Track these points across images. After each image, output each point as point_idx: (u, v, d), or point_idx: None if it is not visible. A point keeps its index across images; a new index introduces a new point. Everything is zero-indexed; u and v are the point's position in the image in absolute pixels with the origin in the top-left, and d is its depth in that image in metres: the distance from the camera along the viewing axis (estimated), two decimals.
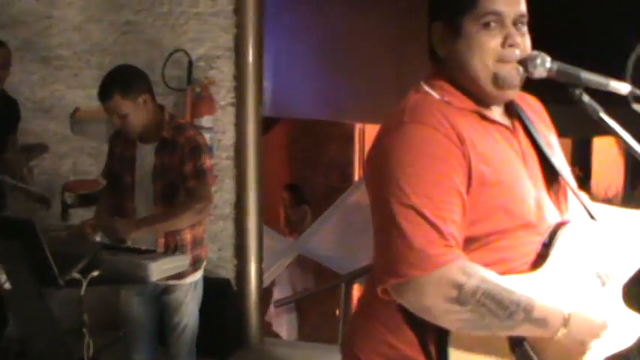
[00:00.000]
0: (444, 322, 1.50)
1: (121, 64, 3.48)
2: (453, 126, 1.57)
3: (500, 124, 1.67)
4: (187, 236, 3.22)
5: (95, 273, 2.69)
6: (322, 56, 7.24)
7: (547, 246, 1.62)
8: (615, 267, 1.68)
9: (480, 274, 1.48)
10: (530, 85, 1.71)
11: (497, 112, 1.69)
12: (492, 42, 1.61)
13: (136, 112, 3.12)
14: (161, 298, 3.31)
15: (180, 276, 3.17)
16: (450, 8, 1.65)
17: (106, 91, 3.12)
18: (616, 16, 3.63)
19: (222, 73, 4.46)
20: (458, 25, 1.63)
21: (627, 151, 1.87)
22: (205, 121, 4.34)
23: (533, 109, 1.80)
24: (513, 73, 1.61)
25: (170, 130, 3.20)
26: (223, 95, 4.46)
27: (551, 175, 1.72)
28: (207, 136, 4.25)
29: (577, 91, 1.61)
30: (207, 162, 3.22)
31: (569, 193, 1.76)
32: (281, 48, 7.61)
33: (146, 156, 3.21)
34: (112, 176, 3.34)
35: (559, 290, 1.56)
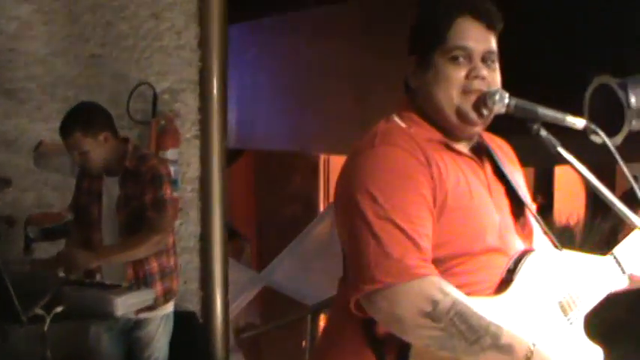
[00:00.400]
0: (413, 337, 1.53)
1: (83, 101, 3.51)
2: (421, 149, 1.64)
3: (467, 156, 1.73)
4: (154, 266, 3.21)
5: (59, 309, 2.67)
6: (286, 88, 7.31)
7: (511, 272, 1.66)
8: (577, 297, 1.72)
9: (455, 294, 1.51)
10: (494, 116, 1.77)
11: (465, 146, 1.75)
12: (458, 74, 1.67)
13: (96, 149, 3.15)
14: (132, 334, 3.30)
15: (151, 308, 3.17)
16: (422, 43, 1.73)
17: (67, 128, 3.14)
18: (577, 52, 3.75)
19: (187, 106, 4.48)
20: (428, 59, 1.71)
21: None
22: (170, 153, 4.33)
23: (502, 149, 1.87)
24: (475, 111, 1.67)
25: (133, 160, 3.22)
26: (188, 128, 4.47)
27: (517, 207, 1.77)
28: (172, 168, 4.24)
29: (535, 126, 1.67)
30: (168, 192, 3.22)
31: (535, 227, 1.81)
32: (245, 80, 7.67)
33: (112, 189, 3.23)
34: (79, 209, 3.34)
35: (522, 317, 1.60)
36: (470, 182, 1.68)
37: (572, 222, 6.83)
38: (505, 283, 1.65)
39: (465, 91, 1.67)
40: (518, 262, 1.67)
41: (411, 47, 1.77)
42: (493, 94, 1.66)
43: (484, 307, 1.54)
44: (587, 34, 3.75)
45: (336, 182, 1.71)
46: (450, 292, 1.51)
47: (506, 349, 1.51)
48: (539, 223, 1.82)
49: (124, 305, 2.76)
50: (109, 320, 3.15)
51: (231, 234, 7.34)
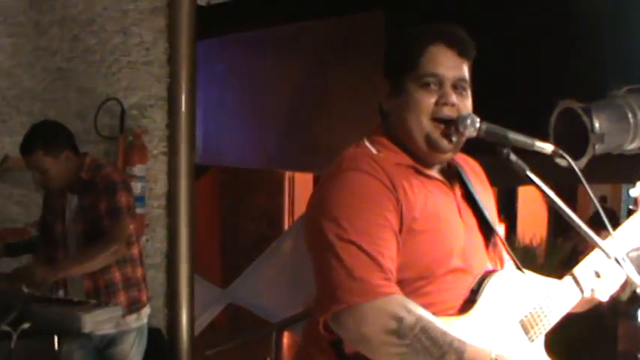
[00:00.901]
0: (380, 354, 1.56)
1: (45, 120, 3.50)
2: (387, 174, 1.67)
3: (437, 179, 1.76)
4: (116, 275, 3.19)
5: (26, 325, 2.64)
6: (252, 105, 7.31)
7: (475, 292, 1.70)
8: (538, 316, 1.76)
9: (419, 311, 1.55)
10: None
11: (435, 170, 1.78)
12: (428, 100, 1.71)
13: (57, 168, 3.14)
14: (106, 351, 3.26)
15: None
16: (395, 67, 1.78)
17: (28, 146, 3.14)
18: (544, 76, 3.83)
19: (155, 122, 4.47)
20: (401, 84, 1.74)
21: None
22: (138, 169, 4.31)
23: (473, 170, 1.91)
24: (444, 139, 1.71)
25: (89, 172, 3.21)
26: (156, 144, 4.45)
27: (487, 230, 1.81)
28: (139, 184, 4.25)
29: (505, 150, 1.71)
30: (123, 199, 3.18)
31: (502, 248, 1.86)
32: (212, 96, 7.65)
33: (73, 204, 3.21)
34: (45, 226, 3.32)
35: (484, 335, 1.64)
36: (438, 205, 1.72)
37: (534, 242, 6.95)
38: (469, 303, 1.69)
39: (435, 119, 1.71)
40: (481, 282, 1.72)
41: (385, 71, 1.81)
42: (464, 118, 1.70)
43: (447, 325, 1.58)
44: (551, 59, 3.83)
45: (307, 205, 1.75)
46: (414, 309, 1.55)
47: None
48: (503, 244, 1.86)
49: (92, 322, 2.74)
50: (81, 338, 3.11)
51: None
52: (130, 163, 4.28)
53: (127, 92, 4.48)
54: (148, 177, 4.41)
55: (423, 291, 1.65)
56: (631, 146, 3.06)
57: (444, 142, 1.72)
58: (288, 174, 9.26)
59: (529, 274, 1.86)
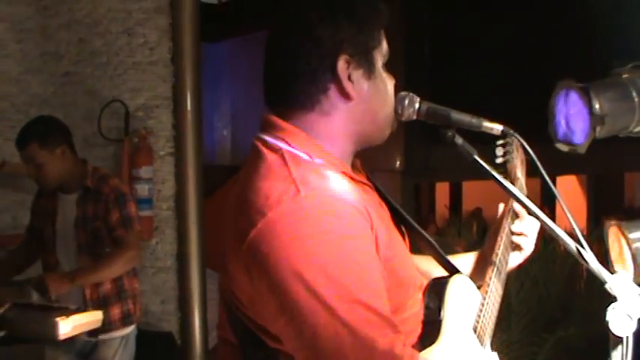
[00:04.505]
0: None
1: (42, 115, 3.45)
2: (352, 192, 1.31)
3: (367, 184, 1.48)
4: (110, 287, 3.14)
5: (1, 333, 2.59)
6: None
7: (432, 310, 1.44)
8: (484, 320, 1.58)
9: None
10: None
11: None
12: (392, 85, 1.49)
13: (52, 163, 3.08)
14: (89, 357, 3.21)
15: (108, 330, 3.10)
16: (366, 39, 1.40)
17: (23, 139, 3.10)
18: (546, 59, 3.67)
19: (161, 123, 4.40)
20: (373, 59, 1.42)
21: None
22: (144, 171, 4.26)
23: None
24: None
25: (94, 180, 3.17)
26: (162, 145, 4.39)
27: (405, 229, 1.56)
28: (146, 187, 4.19)
29: (449, 133, 1.53)
30: (133, 210, 3.19)
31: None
32: (239, 96, 7.60)
33: (68, 207, 3.16)
34: (34, 230, 3.28)
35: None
36: (387, 220, 1.43)
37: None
38: (433, 324, 1.42)
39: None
40: (436, 297, 1.45)
41: (338, 44, 1.36)
42: (402, 98, 1.50)
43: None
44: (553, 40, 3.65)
45: (251, 242, 1.25)
46: None
47: None
48: (431, 243, 1.59)
49: (68, 328, 2.67)
50: (65, 343, 3.06)
51: None
52: (135, 166, 4.23)
53: (132, 93, 4.43)
54: (155, 179, 4.35)
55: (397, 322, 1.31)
56: (638, 128, 2.85)
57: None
58: None
59: (463, 276, 1.57)
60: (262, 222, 1.24)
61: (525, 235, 1.82)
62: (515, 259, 1.83)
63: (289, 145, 1.35)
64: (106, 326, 3.05)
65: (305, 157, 1.34)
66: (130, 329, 3.25)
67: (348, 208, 1.26)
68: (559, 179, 8.07)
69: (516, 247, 1.82)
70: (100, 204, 3.15)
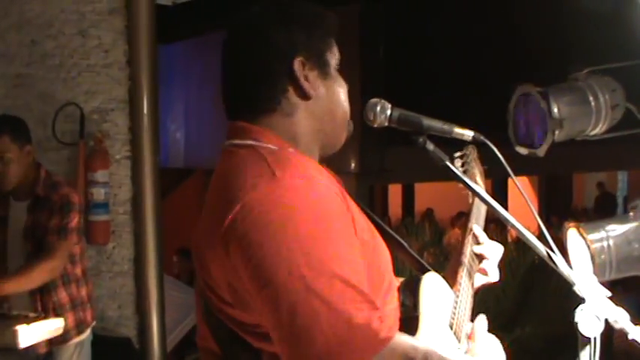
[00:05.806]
0: None
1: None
2: (327, 177, 1.39)
3: (338, 181, 1.50)
4: (64, 296, 3.09)
5: None
6: None
7: (409, 307, 1.48)
8: (460, 317, 1.61)
9: (419, 344, 1.33)
10: None
11: None
12: (345, 87, 1.54)
13: (19, 160, 3.07)
14: None
15: (63, 340, 3.04)
16: (318, 43, 1.48)
17: None
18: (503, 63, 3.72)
19: (117, 126, 4.35)
20: (327, 62, 1.49)
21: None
22: (100, 175, 4.20)
23: None
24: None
25: (45, 188, 3.13)
26: (118, 148, 4.33)
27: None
28: (102, 191, 4.14)
29: (421, 139, 1.56)
30: (75, 222, 3.12)
31: None
32: (193, 99, 7.55)
33: (19, 214, 3.12)
34: None
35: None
36: (357, 209, 1.45)
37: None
38: (410, 320, 1.44)
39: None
40: (412, 294, 1.49)
41: (291, 46, 1.44)
42: (374, 104, 1.54)
43: (449, 353, 1.38)
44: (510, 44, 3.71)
45: (229, 238, 1.29)
46: (417, 344, 1.33)
47: None
48: (400, 245, 1.64)
49: (29, 336, 2.62)
50: (18, 352, 3.00)
51: (185, 254, 7.22)
52: (91, 169, 4.17)
53: (87, 96, 4.36)
54: (112, 182, 4.29)
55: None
56: (594, 131, 2.91)
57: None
58: None
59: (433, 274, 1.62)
60: (240, 204, 1.29)
61: (487, 258, 1.82)
62: (480, 280, 1.83)
63: (260, 142, 1.41)
64: (61, 336, 2.99)
65: (277, 149, 1.40)
66: (85, 335, 3.20)
67: (323, 188, 1.33)
68: (510, 180, 8.21)
69: (479, 270, 1.82)
70: (47, 211, 3.11)
